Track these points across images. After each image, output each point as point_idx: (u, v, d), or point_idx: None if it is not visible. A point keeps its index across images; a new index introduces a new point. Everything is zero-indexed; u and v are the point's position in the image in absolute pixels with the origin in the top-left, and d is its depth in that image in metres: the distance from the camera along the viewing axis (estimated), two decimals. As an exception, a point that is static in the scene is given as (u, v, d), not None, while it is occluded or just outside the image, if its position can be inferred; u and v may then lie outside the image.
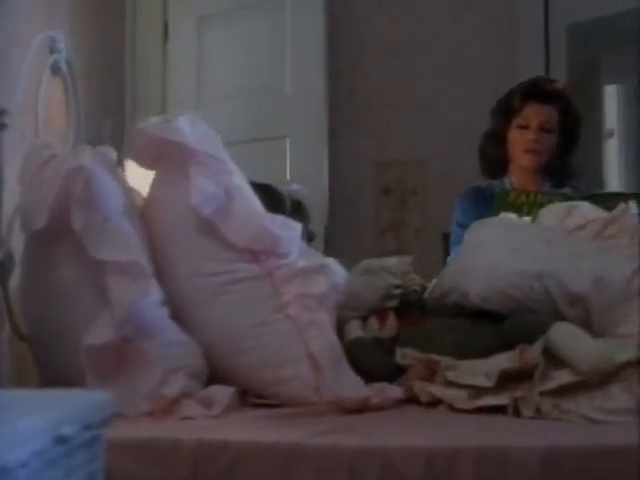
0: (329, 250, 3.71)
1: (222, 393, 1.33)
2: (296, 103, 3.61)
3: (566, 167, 2.76)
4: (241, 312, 1.44)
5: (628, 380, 1.33)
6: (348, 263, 4.04)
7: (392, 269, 1.64)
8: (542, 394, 1.36)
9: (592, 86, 4.59)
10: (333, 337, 1.43)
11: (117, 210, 1.39)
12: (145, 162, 1.51)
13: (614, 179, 4.85)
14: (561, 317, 1.52)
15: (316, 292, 1.44)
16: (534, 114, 2.63)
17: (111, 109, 3.15)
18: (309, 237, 1.89)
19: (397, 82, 4.02)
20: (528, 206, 2.22)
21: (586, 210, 1.68)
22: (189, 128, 1.46)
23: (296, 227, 1.50)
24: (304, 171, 3.62)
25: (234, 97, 3.75)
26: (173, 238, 1.47)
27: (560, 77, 3.93)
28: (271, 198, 1.89)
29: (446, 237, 2.86)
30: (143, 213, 1.51)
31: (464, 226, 2.61)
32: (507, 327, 1.51)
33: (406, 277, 1.65)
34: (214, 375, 1.46)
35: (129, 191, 1.52)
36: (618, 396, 1.32)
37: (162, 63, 3.86)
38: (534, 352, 1.39)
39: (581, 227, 1.62)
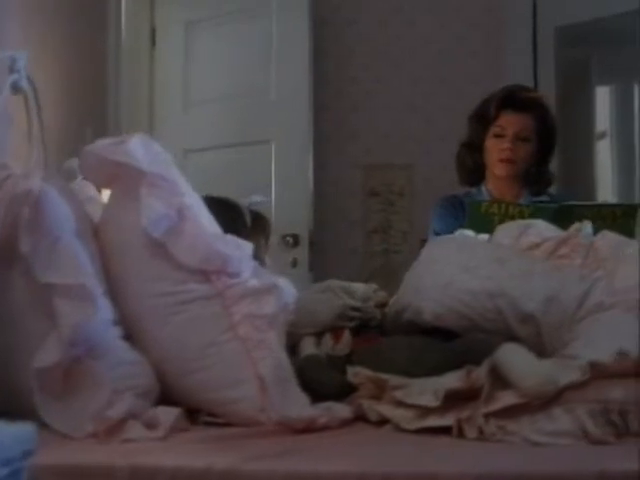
0: (314, 253, 3.74)
1: (167, 414, 1.34)
2: (281, 108, 3.63)
3: (543, 175, 2.77)
4: (191, 332, 1.46)
5: (570, 402, 1.34)
6: (336, 265, 4.07)
7: (353, 292, 1.65)
8: (487, 415, 1.37)
9: (582, 88, 4.59)
10: (282, 357, 1.44)
11: (68, 232, 1.40)
12: (98, 182, 1.53)
13: (606, 181, 4.84)
14: (514, 336, 1.53)
15: (266, 312, 1.45)
16: (510, 123, 2.64)
17: (93, 117, 3.17)
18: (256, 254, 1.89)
19: (384, 85, 4.04)
20: (500, 217, 2.22)
21: (541, 229, 1.69)
22: (141, 149, 1.47)
23: (247, 247, 1.51)
24: (289, 175, 3.64)
25: (221, 101, 3.78)
26: (126, 259, 1.49)
27: (549, 80, 3.95)
28: (230, 212, 1.91)
29: (424, 243, 2.87)
30: (97, 233, 1.53)
31: (440, 234, 2.63)
32: (458, 346, 1.52)
33: (367, 302, 1.66)
34: (167, 394, 1.47)
35: (83, 212, 1.53)
36: (560, 418, 1.33)
37: (149, 68, 3.89)
38: (480, 372, 1.40)
39: (536, 246, 1.63)
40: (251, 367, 1.43)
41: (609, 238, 1.62)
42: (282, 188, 3.63)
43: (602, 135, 4.89)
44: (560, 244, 1.61)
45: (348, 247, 4.01)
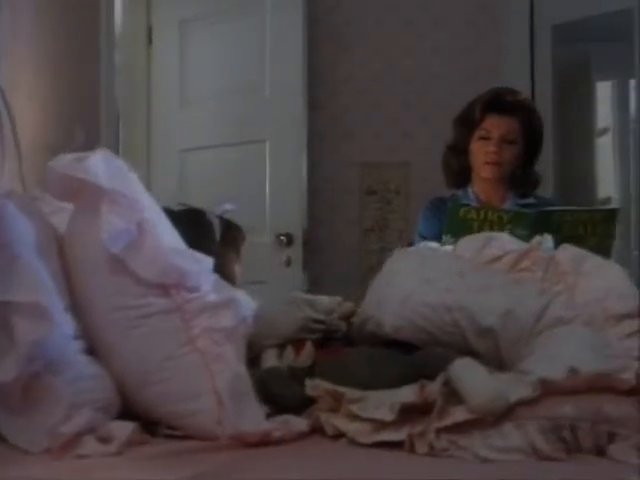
0: (309, 252, 3.76)
1: (121, 429, 1.37)
2: (275, 106, 3.64)
3: (529, 177, 2.77)
4: (151, 345, 1.48)
5: (521, 419, 1.35)
6: (332, 264, 4.08)
7: (316, 305, 1.67)
8: (439, 430, 1.39)
9: (582, 84, 4.56)
10: (239, 371, 1.46)
11: (27, 248, 1.43)
12: (60, 197, 1.55)
13: (609, 177, 4.82)
14: (473, 350, 1.55)
15: (224, 326, 1.47)
16: (495, 126, 2.64)
17: (84, 116, 3.18)
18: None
19: (381, 83, 4.03)
20: (479, 222, 2.23)
21: (504, 242, 1.70)
22: (102, 166, 1.49)
23: (206, 261, 1.53)
24: (283, 175, 3.65)
25: (216, 100, 3.79)
26: (88, 273, 1.51)
27: (545, 77, 3.93)
28: (199, 223, 1.93)
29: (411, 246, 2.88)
30: (62, 248, 1.55)
31: (426, 238, 2.64)
32: (416, 359, 1.53)
33: (331, 315, 1.68)
34: (129, 406, 1.50)
35: (46, 226, 1.55)
36: (511, 435, 1.34)
37: (147, 66, 3.91)
38: (434, 387, 1.41)
39: (498, 259, 1.63)
40: (209, 380, 1.45)
41: (569, 252, 1.62)
42: (276, 187, 3.65)
43: (604, 131, 4.87)
44: (522, 257, 1.62)
45: (344, 245, 4.02)
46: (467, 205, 2.33)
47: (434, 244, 1.88)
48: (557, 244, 2.24)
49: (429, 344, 1.55)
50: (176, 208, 1.88)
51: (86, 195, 1.48)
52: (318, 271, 3.82)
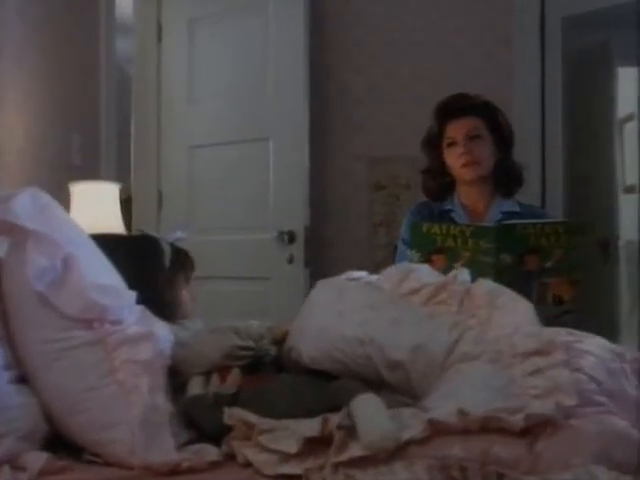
0: (312, 248, 3.81)
1: (35, 459, 1.45)
2: (279, 105, 3.68)
3: (511, 171, 2.77)
4: (75, 376, 1.57)
5: (412, 457, 1.39)
6: (341, 258, 4.12)
7: (243, 332, 1.72)
8: (338, 464, 1.43)
9: (602, 71, 4.47)
10: (154, 402, 1.53)
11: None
12: (-8, 234, 1.64)
13: (634, 166, 4.71)
14: (385, 382, 1.59)
15: (141, 358, 1.55)
16: (457, 129, 2.68)
17: (82, 123, 3.26)
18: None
19: (389, 77, 4.03)
20: (442, 237, 2.26)
21: (422, 274, 1.72)
22: (28, 204, 1.57)
23: (129, 295, 1.60)
24: (286, 172, 3.70)
25: (222, 98, 3.86)
26: (17, 306, 1.60)
27: (555, 66, 3.86)
28: (150, 250, 2.00)
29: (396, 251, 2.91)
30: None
31: (407, 243, 2.66)
32: (328, 391, 1.58)
33: (260, 341, 1.73)
34: (57, 435, 1.59)
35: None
36: (400, 473, 1.38)
37: (157, 65, 3.99)
38: (335, 421, 1.46)
39: (415, 291, 1.66)
40: (125, 411, 1.53)
41: (484, 286, 1.64)
42: (279, 185, 3.70)
43: (629, 118, 4.75)
44: (439, 290, 1.64)
45: (353, 240, 4.06)
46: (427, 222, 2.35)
47: (362, 273, 1.91)
48: (522, 256, 2.27)
49: (345, 375, 1.59)
50: (130, 234, 1.96)
51: (11, 234, 1.57)
52: (326, 266, 3.87)
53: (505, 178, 2.74)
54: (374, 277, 1.84)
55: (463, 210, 2.75)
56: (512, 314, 1.56)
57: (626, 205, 4.67)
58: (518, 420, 1.36)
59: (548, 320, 2.16)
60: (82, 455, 1.57)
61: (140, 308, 1.64)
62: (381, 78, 4.03)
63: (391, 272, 1.79)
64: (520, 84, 3.82)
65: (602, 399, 1.53)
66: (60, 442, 1.60)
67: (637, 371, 1.75)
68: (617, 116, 4.64)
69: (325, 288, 1.77)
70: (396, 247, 2.94)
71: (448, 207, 2.78)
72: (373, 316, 1.60)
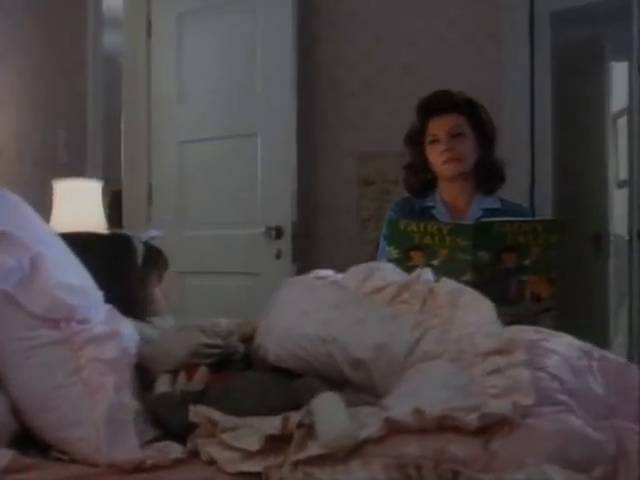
0: (298, 244, 3.82)
1: (0, 456, 1.48)
2: (267, 101, 3.69)
3: (493, 168, 2.79)
4: (42, 375, 1.58)
5: (369, 456, 1.40)
6: (330, 253, 4.14)
7: (210, 329, 1.74)
8: (297, 462, 1.45)
9: (594, 65, 4.47)
10: (119, 400, 1.55)
11: None
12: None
13: (623, 161, 4.72)
14: (348, 381, 1.60)
15: (106, 357, 1.57)
16: (439, 126, 2.70)
17: (69, 118, 3.27)
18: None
19: (379, 73, 4.04)
20: (419, 234, 2.27)
21: (386, 273, 1.74)
22: (-6, 205, 1.60)
23: (97, 294, 1.62)
24: (274, 168, 3.72)
25: (211, 94, 3.87)
26: (-13, 305, 1.62)
27: (545, 61, 3.87)
28: (122, 248, 2.02)
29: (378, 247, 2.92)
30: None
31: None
32: (291, 389, 1.60)
33: (229, 338, 1.75)
34: (27, 432, 1.62)
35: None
36: (357, 472, 1.40)
37: (146, 60, 4.00)
38: (295, 419, 1.48)
39: (379, 290, 1.67)
40: (90, 409, 1.55)
41: (447, 285, 1.65)
42: (267, 181, 3.72)
43: (623, 112, 4.75)
44: (402, 289, 1.65)
45: (342, 235, 4.08)
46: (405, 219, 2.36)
47: (328, 271, 1.93)
48: (499, 253, 2.28)
49: (309, 373, 1.61)
50: (104, 233, 1.98)
51: (-20, 234, 1.59)
52: (315, 261, 3.89)
53: (486, 175, 2.75)
54: (340, 276, 1.86)
55: (444, 207, 2.77)
56: (474, 314, 1.57)
57: (620, 200, 4.68)
58: (473, 419, 1.38)
59: (527, 317, 2.18)
60: (49, 453, 1.59)
61: (107, 307, 1.66)
62: (372, 74, 4.04)
63: (356, 271, 1.81)
64: (510, 80, 3.82)
65: (563, 398, 1.54)
66: (29, 440, 1.63)
67: (604, 368, 1.76)
68: (610, 111, 4.64)
69: (292, 287, 1.79)
70: (379, 243, 2.95)
71: (430, 204, 2.80)
72: (337, 315, 1.62)
